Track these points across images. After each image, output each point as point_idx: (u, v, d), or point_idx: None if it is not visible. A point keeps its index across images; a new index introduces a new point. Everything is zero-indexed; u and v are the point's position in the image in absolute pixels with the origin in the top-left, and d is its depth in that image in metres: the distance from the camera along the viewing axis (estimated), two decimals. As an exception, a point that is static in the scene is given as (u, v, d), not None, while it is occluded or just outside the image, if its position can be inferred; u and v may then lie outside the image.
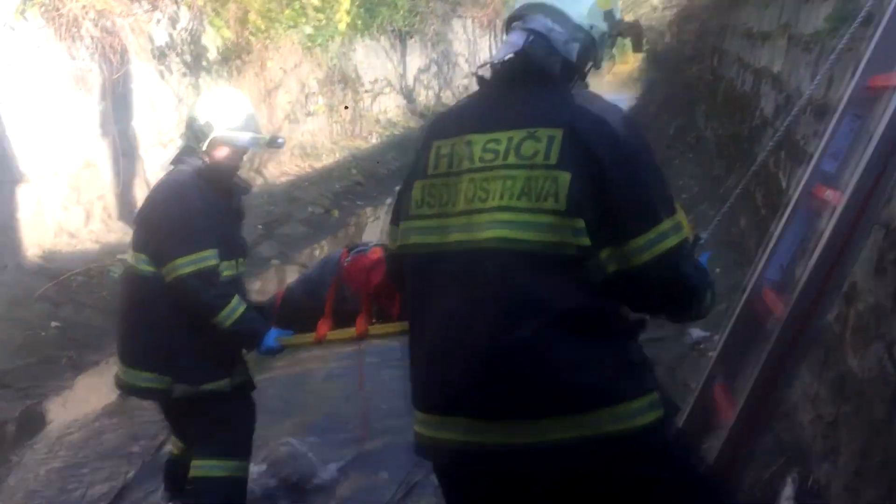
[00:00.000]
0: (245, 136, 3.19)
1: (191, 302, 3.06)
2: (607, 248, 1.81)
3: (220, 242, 3.12)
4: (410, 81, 17.13)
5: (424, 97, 17.96)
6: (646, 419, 1.81)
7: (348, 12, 11.00)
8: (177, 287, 3.04)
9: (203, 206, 3.11)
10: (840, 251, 2.18)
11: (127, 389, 3.33)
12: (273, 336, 3.16)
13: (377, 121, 14.83)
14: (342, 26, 11.23)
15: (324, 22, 11.01)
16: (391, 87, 15.87)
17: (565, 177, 1.79)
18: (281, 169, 10.83)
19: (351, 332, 3.12)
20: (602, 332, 1.84)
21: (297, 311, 3.26)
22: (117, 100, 7.87)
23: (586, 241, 1.78)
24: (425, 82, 18.14)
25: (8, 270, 6.38)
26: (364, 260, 3.08)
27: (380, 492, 3.92)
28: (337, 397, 4.95)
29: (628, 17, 2.27)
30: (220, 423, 3.21)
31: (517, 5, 2.03)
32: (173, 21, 8.88)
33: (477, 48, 22.53)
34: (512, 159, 1.86)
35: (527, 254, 1.79)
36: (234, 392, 3.23)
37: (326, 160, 11.99)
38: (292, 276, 7.90)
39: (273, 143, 3.49)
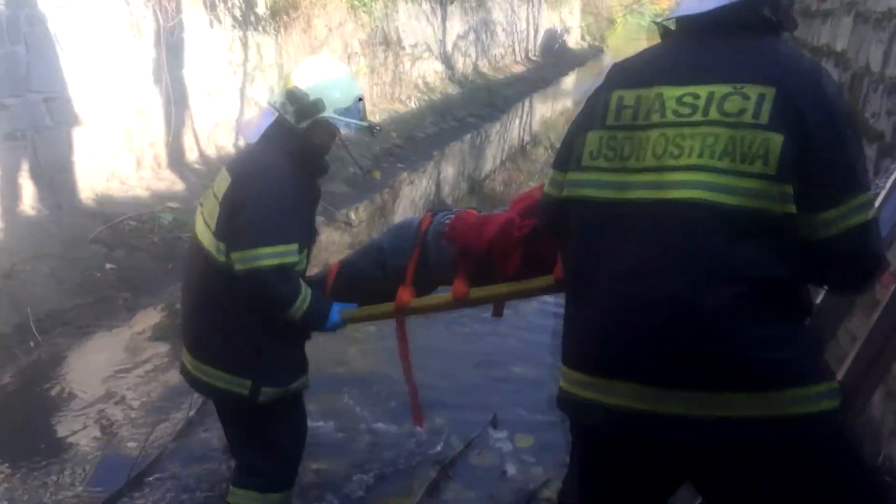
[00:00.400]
0: (353, 123, 2.85)
1: (265, 295, 2.76)
2: (811, 214, 1.70)
3: (303, 233, 2.86)
4: (449, 48, 16.97)
5: (462, 65, 17.79)
6: (830, 405, 1.74)
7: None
8: (252, 277, 2.71)
9: (295, 195, 2.80)
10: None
11: (201, 387, 3.01)
12: (336, 311, 2.92)
13: (416, 85, 14.74)
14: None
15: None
16: (430, 52, 15.73)
17: (777, 139, 1.67)
18: (323, 127, 10.83)
19: (446, 297, 2.86)
20: (792, 307, 1.76)
21: (359, 284, 3.04)
22: (170, 48, 7.87)
23: (792, 208, 1.68)
24: (463, 49, 17.96)
25: (63, 211, 6.47)
26: (471, 216, 2.88)
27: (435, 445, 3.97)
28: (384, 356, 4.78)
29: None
30: (273, 447, 2.98)
31: None
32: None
33: (515, 17, 22.28)
34: (714, 115, 1.73)
35: (726, 218, 1.68)
36: (297, 398, 3.02)
37: (367, 121, 11.98)
38: (335, 231, 7.96)
39: (372, 131, 3.06)
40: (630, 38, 25.94)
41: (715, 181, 1.69)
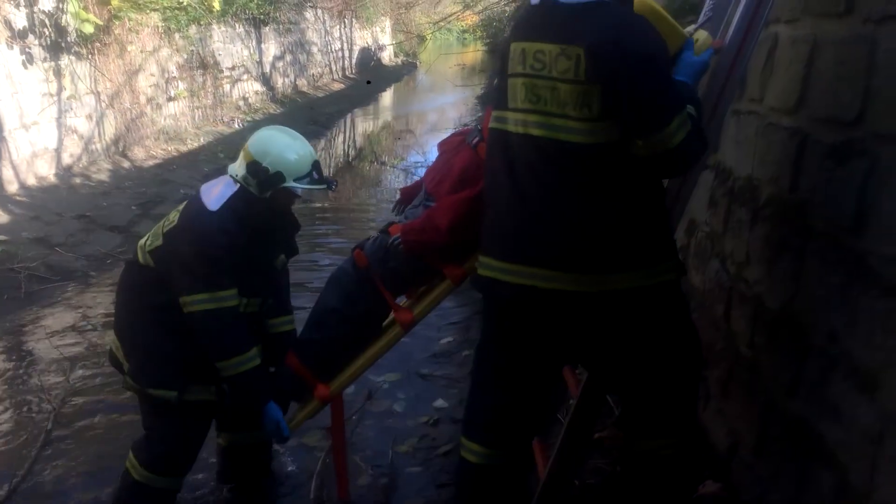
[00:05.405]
0: (312, 187, 3.05)
1: (204, 337, 3.00)
2: (639, 140, 2.17)
3: (250, 283, 3.06)
4: (267, 69, 17.16)
5: (282, 84, 18.02)
6: (672, 274, 2.36)
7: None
8: (193, 320, 2.97)
9: (227, 252, 2.95)
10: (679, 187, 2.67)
11: (109, 357, 3.33)
12: (274, 407, 3.13)
13: (238, 107, 14.83)
14: (216, 5, 11.20)
15: (185, 2, 10.96)
16: (249, 73, 15.87)
17: (595, 90, 2.11)
18: (147, 152, 10.75)
19: (445, 284, 3.05)
20: (644, 201, 2.30)
21: (337, 351, 3.19)
22: (-19, 80, 7.69)
23: (615, 137, 2.17)
24: (281, 70, 18.19)
25: None
26: (411, 224, 3.01)
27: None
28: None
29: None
30: (161, 434, 3.16)
31: None
32: (32, 2, 8.68)
33: (329, 37, 22.73)
34: (554, 73, 2.18)
35: (568, 148, 2.20)
36: (184, 407, 3.11)
37: (192, 144, 11.96)
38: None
39: (330, 187, 3.14)
40: (441, 54, 26.91)
41: (562, 124, 2.20)
